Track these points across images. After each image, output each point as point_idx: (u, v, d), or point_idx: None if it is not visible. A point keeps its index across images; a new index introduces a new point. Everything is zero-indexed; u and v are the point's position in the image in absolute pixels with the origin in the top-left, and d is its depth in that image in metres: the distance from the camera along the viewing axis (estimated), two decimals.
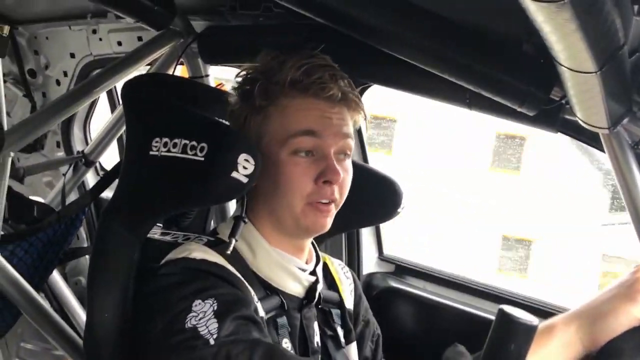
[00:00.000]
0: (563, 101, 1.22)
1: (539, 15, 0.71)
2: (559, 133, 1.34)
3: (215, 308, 1.00)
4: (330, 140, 1.14)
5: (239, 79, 1.22)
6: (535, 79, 1.20)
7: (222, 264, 1.13)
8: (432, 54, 1.18)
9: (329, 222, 1.18)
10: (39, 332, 1.78)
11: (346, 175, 1.17)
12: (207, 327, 0.98)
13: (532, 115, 1.25)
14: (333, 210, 1.17)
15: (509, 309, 0.71)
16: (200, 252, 1.14)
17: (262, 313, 1.13)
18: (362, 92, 1.58)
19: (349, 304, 1.39)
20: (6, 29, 1.36)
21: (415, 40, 1.17)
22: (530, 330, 0.71)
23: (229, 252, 1.14)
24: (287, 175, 1.13)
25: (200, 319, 0.99)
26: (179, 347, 0.99)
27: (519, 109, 1.23)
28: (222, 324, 0.99)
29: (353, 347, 1.35)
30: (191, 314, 1.00)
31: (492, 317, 1.59)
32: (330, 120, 1.15)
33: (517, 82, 1.20)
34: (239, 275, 1.13)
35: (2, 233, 1.76)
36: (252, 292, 1.13)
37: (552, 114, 1.28)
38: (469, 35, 1.18)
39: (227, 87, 1.82)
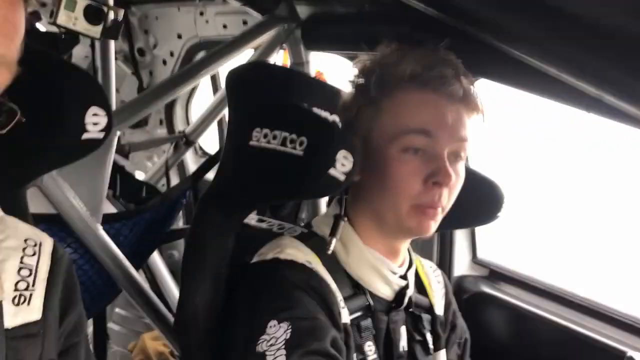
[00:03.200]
0: None
1: None
2: None
3: (288, 337, 0.98)
4: (444, 140, 1.07)
5: (355, 70, 1.17)
6: None
7: (310, 263, 1.11)
8: (554, 54, 1.09)
9: (433, 226, 1.11)
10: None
11: (457, 179, 1.10)
12: (275, 358, 0.96)
13: None
14: (440, 215, 1.11)
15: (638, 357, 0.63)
16: (292, 248, 1.13)
17: (345, 318, 1.11)
18: None
19: (439, 310, 1.34)
20: (121, 13, 1.40)
21: (536, 38, 1.08)
22: None
23: (329, 252, 1.13)
24: (395, 174, 1.08)
25: (270, 345, 0.97)
26: None
27: None
28: (289, 358, 0.96)
29: (442, 354, 1.30)
30: (264, 336, 0.99)
31: (592, 335, 1.54)
32: (447, 119, 1.07)
33: None
34: (326, 276, 1.11)
35: (114, 210, 1.84)
36: (339, 293, 1.11)
37: None
38: (596, 35, 1.08)
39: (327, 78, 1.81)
